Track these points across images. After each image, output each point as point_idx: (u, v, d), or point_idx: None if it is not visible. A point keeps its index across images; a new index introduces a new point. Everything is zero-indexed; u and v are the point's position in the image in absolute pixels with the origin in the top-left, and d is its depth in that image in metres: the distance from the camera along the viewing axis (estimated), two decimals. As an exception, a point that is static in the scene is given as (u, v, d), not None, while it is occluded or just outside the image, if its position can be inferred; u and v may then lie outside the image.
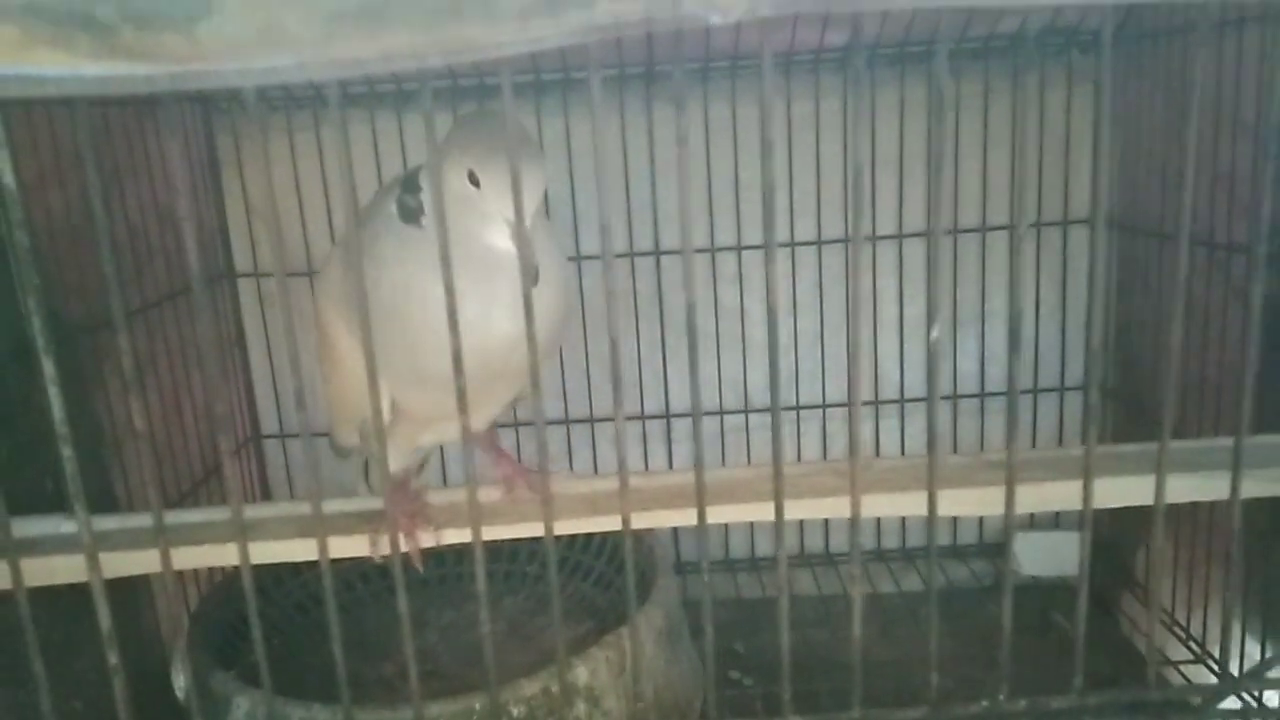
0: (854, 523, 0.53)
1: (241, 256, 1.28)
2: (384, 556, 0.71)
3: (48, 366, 0.48)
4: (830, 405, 1.31)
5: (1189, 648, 1.08)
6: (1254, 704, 0.88)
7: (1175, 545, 1.13)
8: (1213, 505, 1.01)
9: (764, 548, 1.36)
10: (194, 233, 0.48)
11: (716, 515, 0.73)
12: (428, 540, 0.75)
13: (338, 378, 0.78)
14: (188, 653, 0.89)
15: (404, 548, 0.74)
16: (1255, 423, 0.92)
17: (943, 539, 1.36)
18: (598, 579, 1.14)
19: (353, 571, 1.15)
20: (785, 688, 0.46)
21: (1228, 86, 0.98)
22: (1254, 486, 0.71)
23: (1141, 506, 1.18)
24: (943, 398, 1.31)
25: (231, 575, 1.03)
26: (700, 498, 0.51)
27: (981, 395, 1.30)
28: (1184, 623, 1.10)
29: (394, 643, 1.05)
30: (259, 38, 0.37)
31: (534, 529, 0.74)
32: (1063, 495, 0.74)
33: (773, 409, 0.49)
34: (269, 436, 1.33)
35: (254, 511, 0.79)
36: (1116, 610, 1.22)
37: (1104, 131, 0.88)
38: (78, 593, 0.55)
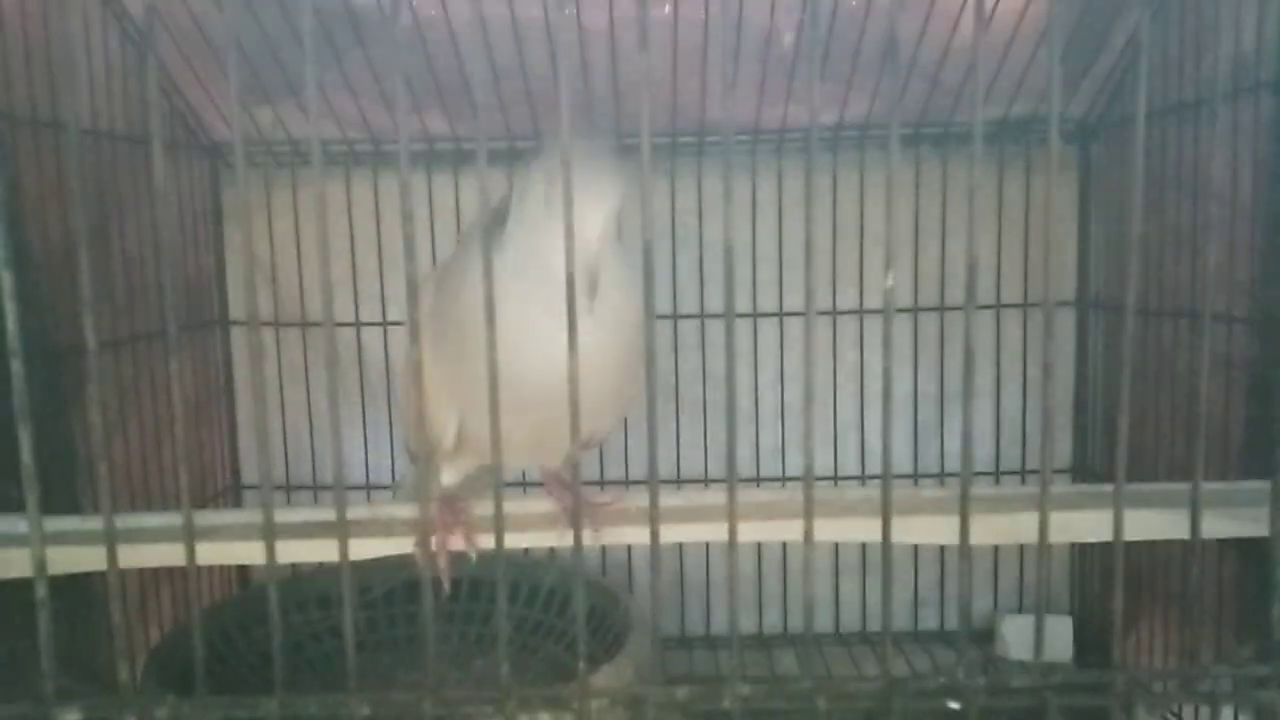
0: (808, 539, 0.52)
1: (236, 305, 1.29)
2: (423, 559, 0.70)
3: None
4: (821, 477, 1.30)
5: (1180, 728, 1.04)
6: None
7: (1167, 631, 1.10)
8: (1202, 593, 0.99)
9: (747, 623, 1.33)
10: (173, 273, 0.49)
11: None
12: (458, 545, 0.75)
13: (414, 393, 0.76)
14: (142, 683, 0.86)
15: (439, 558, 0.74)
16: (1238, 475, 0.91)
17: (930, 623, 1.33)
18: (570, 643, 1.12)
19: (322, 624, 1.13)
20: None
21: (1197, 163, 1.00)
22: (1215, 526, 0.70)
23: (1129, 590, 1.15)
24: (930, 475, 1.30)
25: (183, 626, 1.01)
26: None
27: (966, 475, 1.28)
28: (1176, 710, 1.06)
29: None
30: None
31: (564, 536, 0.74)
32: (1025, 527, 0.74)
33: (729, 479, 0.48)
34: (249, 486, 1.32)
35: (204, 519, 0.78)
36: (1108, 694, 1.18)
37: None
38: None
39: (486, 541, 0.76)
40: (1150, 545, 1.07)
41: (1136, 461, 1.14)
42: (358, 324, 1.29)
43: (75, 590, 0.91)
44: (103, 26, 1.03)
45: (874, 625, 1.32)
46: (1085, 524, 0.76)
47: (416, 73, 1.13)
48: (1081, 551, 1.30)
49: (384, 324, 1.29)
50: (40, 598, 0.45)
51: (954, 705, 0.44)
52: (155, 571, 1.07)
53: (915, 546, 1.27)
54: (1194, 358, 1.02)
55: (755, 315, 1.28)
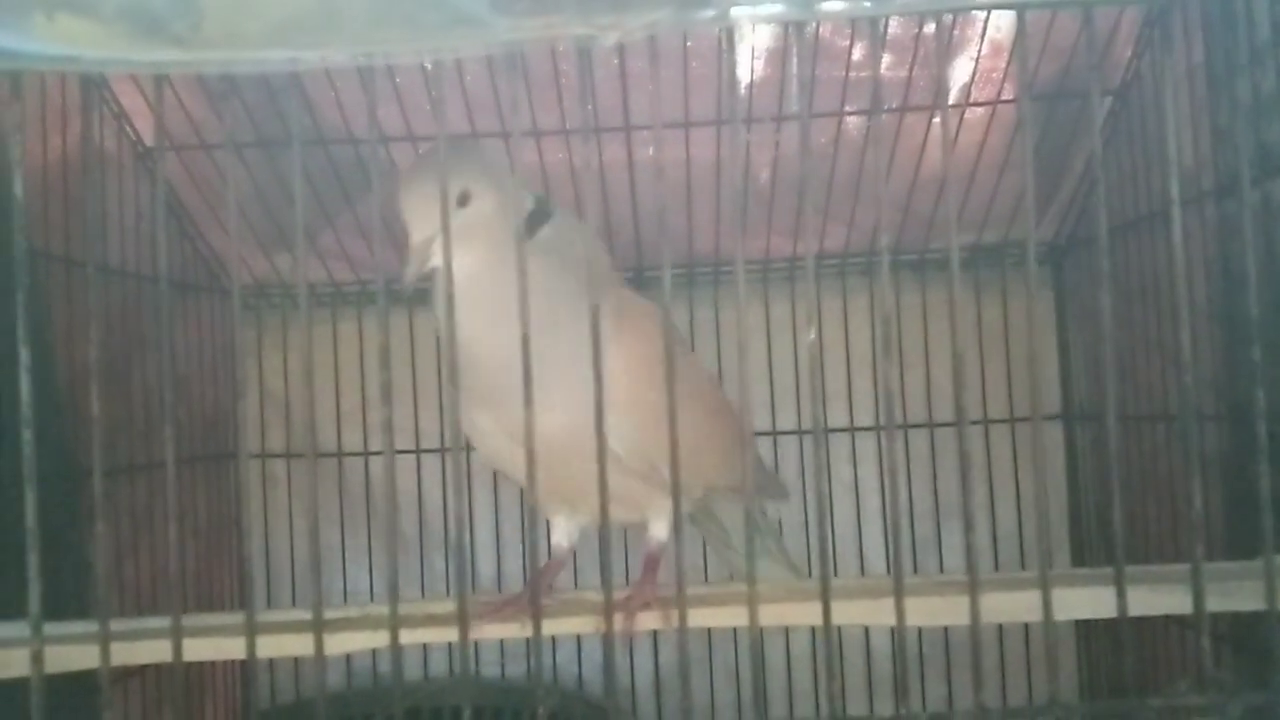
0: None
1: (249, 439, 1.35)
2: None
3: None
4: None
5: None
6: None
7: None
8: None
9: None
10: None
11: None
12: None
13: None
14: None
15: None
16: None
17: (941, 746, 1.30)
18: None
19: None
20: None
21: (1156, 272, 1.06)
22: (1216, 601, 0.71)
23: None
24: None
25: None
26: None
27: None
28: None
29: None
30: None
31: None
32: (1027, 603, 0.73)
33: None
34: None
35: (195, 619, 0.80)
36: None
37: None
38: None
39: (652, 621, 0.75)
40: (1150, 649, 1.07)
41: (1128, 557, 1.14)
42: (366, 453, 1.34)
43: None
44: (135, 179, 1.13)
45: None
46: (1087, 600, 0.74)
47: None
48: (1090, 662, 1.28)
49: (390, 453, 1.33)
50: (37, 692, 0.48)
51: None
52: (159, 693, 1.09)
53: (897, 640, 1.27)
54: (1173, 456, 1.05)
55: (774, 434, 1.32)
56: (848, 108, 1.13)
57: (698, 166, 1.17)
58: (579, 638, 1.30)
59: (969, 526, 0.54)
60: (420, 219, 0.70)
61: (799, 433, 1.32)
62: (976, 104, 1.14)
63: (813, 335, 0.53)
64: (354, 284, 1.33)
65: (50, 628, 0.68)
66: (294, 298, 1.34)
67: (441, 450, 1.31)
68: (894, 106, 1.12)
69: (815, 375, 0.51)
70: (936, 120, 1.15)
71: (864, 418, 1.32)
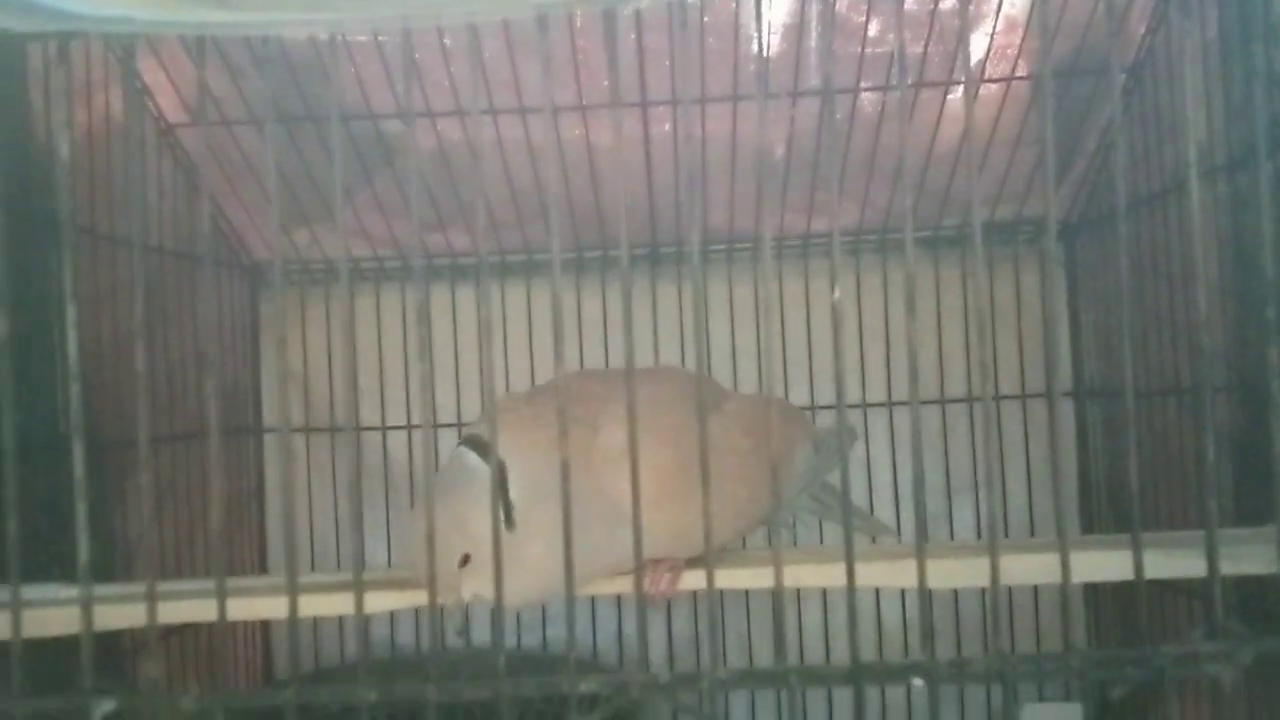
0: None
1: (270, 412, 1.36)
2: None
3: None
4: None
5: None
6: None
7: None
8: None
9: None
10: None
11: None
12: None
13: None
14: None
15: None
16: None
17: (950, 714, 1.31)
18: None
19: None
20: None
21: (1169, 247, 1.07)
22: (1228, 565, 0.72)
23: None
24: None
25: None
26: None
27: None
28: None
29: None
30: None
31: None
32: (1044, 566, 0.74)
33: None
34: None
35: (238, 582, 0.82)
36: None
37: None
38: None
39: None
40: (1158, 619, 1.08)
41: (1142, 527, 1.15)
42: (384, 428, 1.35)
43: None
44: (158, 154, 1.14)
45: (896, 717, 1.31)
46: (1102, 563, 0.75)
47: (440, 192, 1.23)
48: (1099, 632, 1.30)
49: (408, 427, 1.35)
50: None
51: (918, 681, 0.47)
52: (183, 661, 1.11)
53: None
54: (1184, 430, 1.06)
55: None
56: (863, 84, 1.14)
57: (713, 143, 1.18)
58: (593, 607, 1.32)
59: (989, 482, 0.54)
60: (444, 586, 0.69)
61: (813, 408, 1.33)
62: (992, 80, 1.14)
63: (837, 294, 0.54)
64: (372, 260, 1.34)
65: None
66: (311, 274, 1.36)
67: (459, 425, 1.33)
68: (910, 82, 1.13)
69: (839, 336, 0.52)
70: (951, 96, 1.16)
71: (876, 393, 1.33)
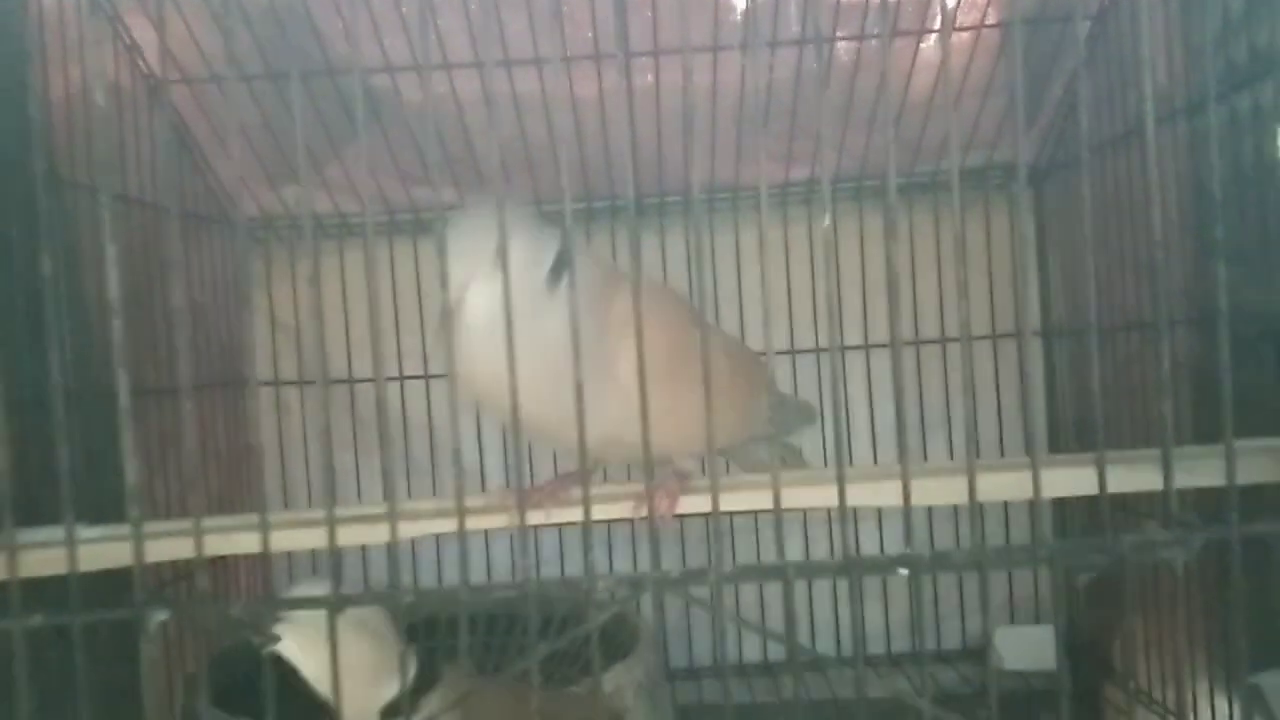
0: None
1: (262, 366, 1.39)
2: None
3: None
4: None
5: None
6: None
7: (1145, 627, 1.16)
8: (1176, 588, 1.06)
9: (775, 651, 1.39)
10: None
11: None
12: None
13: None
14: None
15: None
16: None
17: (928, 644, 1.38)
18: (584, 666, 1.17)
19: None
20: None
21: (1132, 188, 1.12)
22: (1183, 478, 0.77)
23: (1112, 602, 1.22)
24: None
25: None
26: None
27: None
28: (1160, 699, 1.11)
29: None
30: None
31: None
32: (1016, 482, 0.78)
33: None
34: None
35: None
36: (1100, 701, 1.23)
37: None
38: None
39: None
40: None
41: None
42: (379, 379, 1.38)
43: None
44: (149, 112, 1.16)
45: (875, 648, 1.38)
46: (1070, 479, 0.80)
47: (428, 146, 1.26)
48: (1066, 575, 1.36)
49: (400, 379, 1.38)
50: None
51: (903, 571, 0.52)
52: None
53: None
54: (1145, 363, 1.12)
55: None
56: (839, 33, 1.17)
57: (695, 92, 1.21)
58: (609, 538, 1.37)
59: (967, 389, 0.59)
60: (460, 271, 0.73)
61: (791, 352, 1.37)
62: (962, 28, 1.18)
63: (827, 221, 0.58)
64: (359, 215, 1.37)
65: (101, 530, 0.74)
66: (297, 229, 1.38)
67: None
68: (878, 32, 1.17)
69: (830, 262, 0.56)
70: (924, 45, 1.20)
71: (852, 337, 1.38)
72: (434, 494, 1.39)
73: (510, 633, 1.23)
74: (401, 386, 1.39)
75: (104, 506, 0.97)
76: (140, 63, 1.15)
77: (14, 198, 0.95)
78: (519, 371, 0.69)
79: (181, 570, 1.16)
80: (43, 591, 0.60)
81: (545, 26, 1.13)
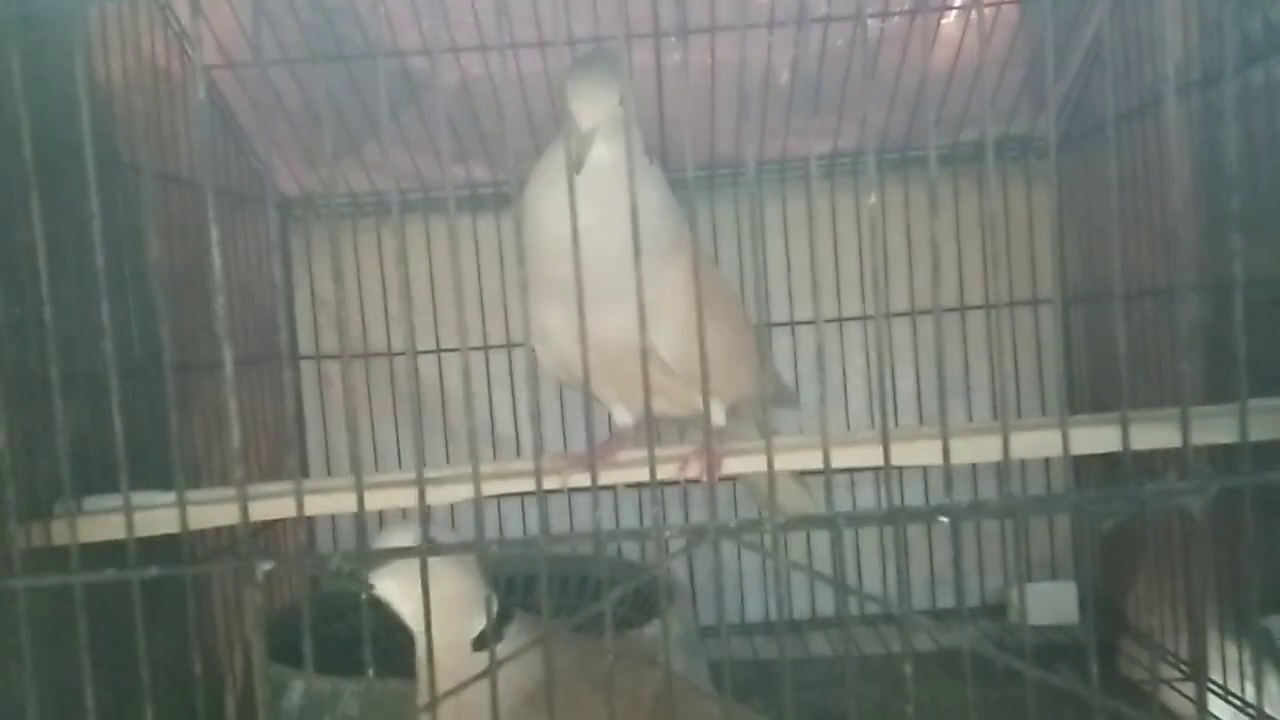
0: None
1: (305, 341, 1.44)
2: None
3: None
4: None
5: (1180, 669, 1.14)
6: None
7: (1160, 580, 1.21)
8: (1190, 544, 1.10)
9: (777, 611, 1.44)
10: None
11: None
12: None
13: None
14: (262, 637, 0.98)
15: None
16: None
17: (946, 601, 1.43)
18: (618, 623, 1.23)
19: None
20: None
21: (1147, 158, 1.15)
22: (1199, 436, 0.82)
23: (1128, 557, 1.27)
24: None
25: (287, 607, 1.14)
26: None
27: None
28: (1175, 650, 1.17)
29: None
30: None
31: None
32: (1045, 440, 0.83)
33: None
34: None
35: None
36: (1116, 654, 1.29)
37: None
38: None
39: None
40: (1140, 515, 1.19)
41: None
42: (413, 353, 1.43)
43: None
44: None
45: (918, 604, 1.43)
46: (1094, 436, 0.84)
47: (463, 125, 1.30)
48: (1088, 525, 1.41)
49: (437, 351, 1.43)
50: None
51: (944, 519, 0.57)
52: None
53: (929, 528, 1.39)
54: (1160, 328, 1.16)
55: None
56: (869, 10, 1.20)
57: (722, 70, 1.25)
58: (616, 504, 1.42)
59: (996, 354, 0.64)
60: (589, 110, 0.78)
61: (814, 322, 1.41)
62: (986, 4, 1.21)
63: (873, 199, 0.62)
64: (392, 193, 1.41)
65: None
66: (337, 208, 1.42)
67: (485, 348, 1.41)
68: (905, 10, 1.20)
69: (876, 242, 0.61)
70: (945, 21, 1.23)
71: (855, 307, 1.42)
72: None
73: (564, 594, 1.29)
74: (439, 359, 1.44)
75: (164, 473, 1.02)
76: (188, 49, 1.19)
77: (72, 178, 0.99)
78: (605, 232, 0.69)
79: (226, 539, 1.21)
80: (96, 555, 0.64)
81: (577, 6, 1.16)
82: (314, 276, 1.44)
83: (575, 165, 0.70)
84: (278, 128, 1.29)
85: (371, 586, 0.67)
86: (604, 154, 0.79)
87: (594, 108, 0.78)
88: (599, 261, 0.68)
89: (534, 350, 0.69)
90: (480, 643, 0.70)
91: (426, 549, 0.56)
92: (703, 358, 0.61)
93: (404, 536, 0.64)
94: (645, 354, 0.61)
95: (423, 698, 0.66)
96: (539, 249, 0.79)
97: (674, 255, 0.83)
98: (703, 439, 0.88)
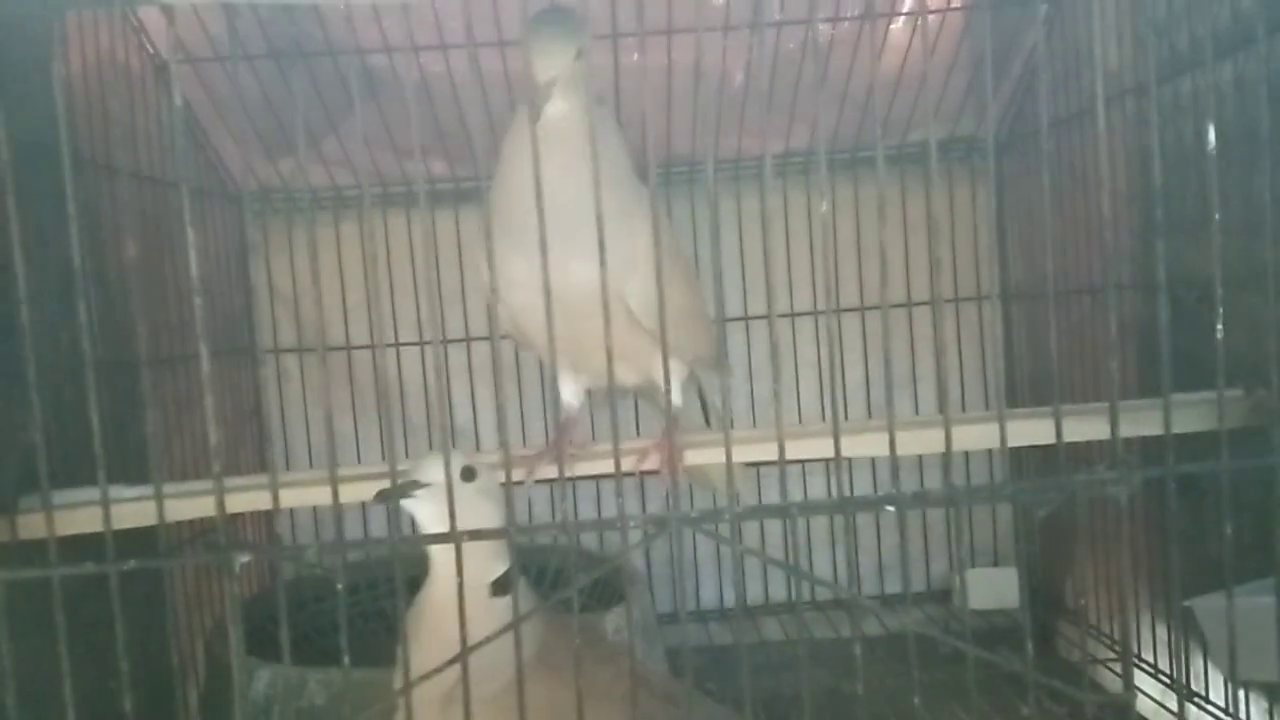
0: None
1: (263, 334, 1.45)
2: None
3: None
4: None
5: (1112, 649, 1.20)
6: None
7: (1094, 566, 1.26)
8: (1121, 531, 1.16)
9: (732, 598, 1.48)
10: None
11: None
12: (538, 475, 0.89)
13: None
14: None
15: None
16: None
17: (893, 586, 1.48)
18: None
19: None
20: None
21: (1084, 162, 1.21)
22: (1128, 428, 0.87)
23: (1065, 544, 1.32)
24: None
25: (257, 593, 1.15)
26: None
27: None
28: (1109, 631, 1.23)
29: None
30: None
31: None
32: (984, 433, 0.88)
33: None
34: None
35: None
36: (1054, 635, 1.35)
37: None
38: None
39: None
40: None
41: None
42: (373, 346, 1.45)
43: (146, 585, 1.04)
44: (155, 92, 1.20)
45: (869, 589, 1.48)
46: (1029, 429, 0.90)
47: (423, 122, 1.31)
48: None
49: (396, 345, 1.44)
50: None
51: (890, 509, 0.61)
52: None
53: (877, 516, 1.44)
54: (1095, 325, 1.21)
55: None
56: (820, 16, 1.24)
57: (678, 71, 1.28)
58: (575, 494, 1.44)
59: (940, 350, 0.68)
60: (547, 63, 0.80)
61: (766, 317, 1.45)
62: (932, 11, 1.26)
63: (825, 206, 0.65)
64: (354, 188, 1.42)
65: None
66: (295, 201, 1.43)
67: (468, 340, 1.43)
68: (855, 15, 1.24)
69: (827, 244, 0.64)
70: (893, 27, 1.28)
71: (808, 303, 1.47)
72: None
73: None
74: (398, 353, 1.45)
75: (127, 467, 1.03)
76: (147, 44, 1.19)
77: (41, 178, 0.99)
78: (568, 181, 0.72)
79: (186, 532, 1.22)
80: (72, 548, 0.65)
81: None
82: (272, 271, 1.45)
83: (533, 116, 0.73)
84: (233, 123, 1.29)
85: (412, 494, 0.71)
86: (560, 107, 0.81)
87: (552, 61, 0.80)
88: (563, 210, 0.68)
89: (497, 344, 0.70)
90: (498, 587, 0.73)
91: (455, 536, 0.59)
92: (663, 315, 0.63)
93: (438, 468, 0.67)
94: (605, 285, 0.62)
95: (417, 659, 0.68)
96: (507, 199, 0.81)
97: (636, 208, 0.85)
98: (663, 430, 0.91)
